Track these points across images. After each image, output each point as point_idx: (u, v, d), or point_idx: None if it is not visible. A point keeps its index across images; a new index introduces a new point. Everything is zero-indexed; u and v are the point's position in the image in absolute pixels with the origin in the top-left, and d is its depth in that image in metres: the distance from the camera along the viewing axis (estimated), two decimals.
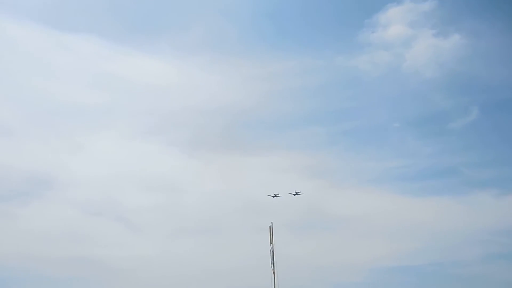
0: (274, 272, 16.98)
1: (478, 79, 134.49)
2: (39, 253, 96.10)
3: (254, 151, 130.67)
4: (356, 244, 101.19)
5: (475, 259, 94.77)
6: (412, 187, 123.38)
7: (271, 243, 17.28)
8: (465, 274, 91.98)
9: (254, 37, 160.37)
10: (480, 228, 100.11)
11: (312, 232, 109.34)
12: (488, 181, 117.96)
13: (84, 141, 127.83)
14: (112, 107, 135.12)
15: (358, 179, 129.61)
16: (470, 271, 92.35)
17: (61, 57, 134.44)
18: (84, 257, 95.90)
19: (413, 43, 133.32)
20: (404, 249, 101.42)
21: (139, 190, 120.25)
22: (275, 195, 55.35)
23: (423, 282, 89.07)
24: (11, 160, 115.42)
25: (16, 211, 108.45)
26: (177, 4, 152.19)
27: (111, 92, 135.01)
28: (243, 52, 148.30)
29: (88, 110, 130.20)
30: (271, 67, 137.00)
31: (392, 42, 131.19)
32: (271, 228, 17.68)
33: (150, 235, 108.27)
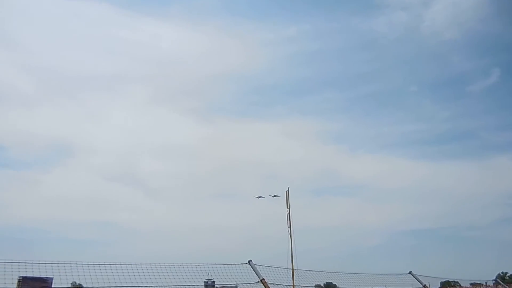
0: (291, 236, 17.25)
1: (500, 39, 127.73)
2: (61, 216, 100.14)
3: (269, 117, 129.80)
4: (373, 208, 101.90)
5: (492, 222, 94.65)
6: (429, 151, 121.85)
7: (287, 208, 17.52)
8: (483, 237, 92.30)
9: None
10: (498, 192, 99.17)
11: (330, 197, 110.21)
12: (507, 144, 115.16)
13: (101, 108, 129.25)
14: (127, 74, 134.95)
15: (375, 144, 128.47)
16: (487, 234, 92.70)
17: (75, 25, 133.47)
18: (104, 221, 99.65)
19: (432, 2, 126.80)
20: (421, 213, 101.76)
21: (156, 156, 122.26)
22: (259, 197, 62.07)
23: (441, 245, 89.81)
24: (32, 128, 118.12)
25: (39, 177, 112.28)
26: None
27: (125, 59, 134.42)
28: (256, 16, 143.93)
29: (103, 77, 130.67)
30: (285, 31, 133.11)
31: (410, 2, 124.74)
32: (287, 193, 17.87)
33: (167, 199, 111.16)
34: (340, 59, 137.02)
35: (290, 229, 17.57)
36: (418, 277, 15.50)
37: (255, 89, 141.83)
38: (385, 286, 15.44)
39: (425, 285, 15.54)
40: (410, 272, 15.57)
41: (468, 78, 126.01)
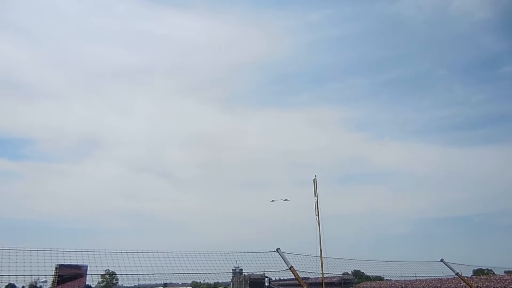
0: (319, 224, 17.22)
1: None
2: (91, 207, 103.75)
3: (293, 106, 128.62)
4: (401, 195, 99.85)
5: None
6: (459, 137, 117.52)
7: (315, 196, 17.50)
8: None
9: None
10: None
11: (356, 184, 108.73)
12: None
13: (126, 101, 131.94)
14: (150, 67, 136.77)
15: (401, 130, 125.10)
16: None
17: (99, 19, 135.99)
18: (132, 211, 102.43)
19: None
20: (451, 200, 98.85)
21: (182, 147, 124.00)
22: (272, 200, 65.98)
23: (471, 232, 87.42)
24: (61, 122, 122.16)
25: (69, 169, 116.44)
26: None
27: (148, 51, 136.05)
28: (277, 3, 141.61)
29: (128, 70, 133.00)
30: (308, 17, 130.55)
31: None
32: (315, 181, 17.84)
33: (195, 189, 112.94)
34: (363, 45, 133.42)
35: (318, 217, 17.64)
36: (450, 265, 15.07)
37: (278, 77, 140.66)
38: (415, 274, 15.12)
39: (457, 273, 15.11)
40: (441, 260, 15.15)
41: (501, 59, 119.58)
